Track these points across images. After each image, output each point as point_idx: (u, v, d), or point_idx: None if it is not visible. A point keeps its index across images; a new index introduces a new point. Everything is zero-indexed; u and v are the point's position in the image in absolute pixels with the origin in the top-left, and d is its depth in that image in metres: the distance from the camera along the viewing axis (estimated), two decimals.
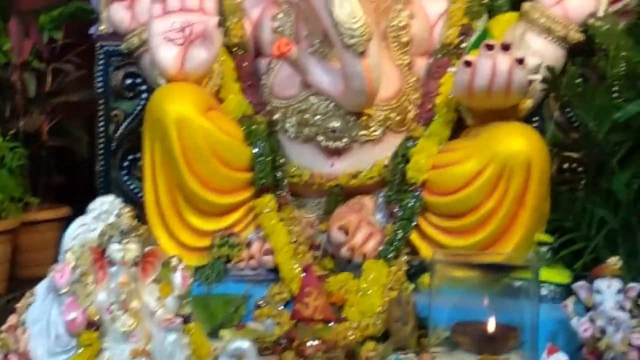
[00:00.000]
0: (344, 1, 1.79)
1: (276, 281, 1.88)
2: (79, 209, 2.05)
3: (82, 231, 1.45)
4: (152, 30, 1.93)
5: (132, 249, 1.41)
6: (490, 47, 1.79)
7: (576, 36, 2.01)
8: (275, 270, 1.90)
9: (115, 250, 1.41)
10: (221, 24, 1.95)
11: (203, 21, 1.91)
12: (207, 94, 1.97)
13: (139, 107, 2.21)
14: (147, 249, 1.45)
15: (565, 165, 2.08)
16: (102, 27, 2.20)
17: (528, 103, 1.96)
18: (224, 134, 1.91)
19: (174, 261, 1.46)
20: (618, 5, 2.12)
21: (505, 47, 1.79)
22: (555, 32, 2.00)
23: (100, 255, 1.42)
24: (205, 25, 1.90)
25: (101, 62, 2.25)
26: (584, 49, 2.05)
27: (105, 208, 1.46)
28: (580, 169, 2.07)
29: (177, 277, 1.45)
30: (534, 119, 2.08)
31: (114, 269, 1.41)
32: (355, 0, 1.80)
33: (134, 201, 2.19)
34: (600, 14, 2.01)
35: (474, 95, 1.85)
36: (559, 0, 2.02)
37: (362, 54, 1.81)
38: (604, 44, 1.95)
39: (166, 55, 1.91)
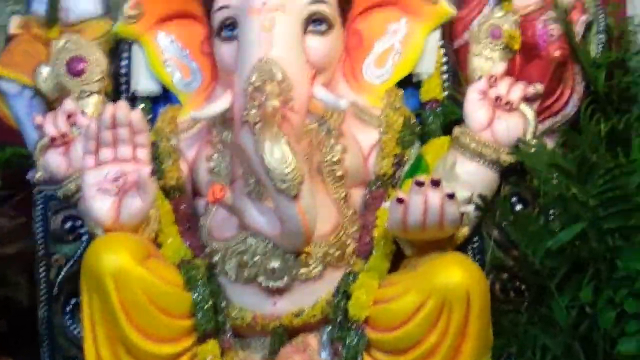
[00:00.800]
0: (274, 147, 1.81)
1: None
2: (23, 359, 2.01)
3: None
4: (85, 181, 1.93)
5: None
6: (420, 184, 1.82)
7: (507, 159, 2.05)
8: None
9: None
10: (154, 172, 1.96)
11: (136, 170, 1.91)
12: (145, 241, 1.97)
13: (80, 250, 2.20)
14: None
15: (509, 285, 2.10)
16: (38, 174, 2.19)
17: (464, 231, 1.98)
18: (163, 283, 1.90)
19: None
20: (545, 124, 2.17)
21: (435, 183, 1.81)
22: (487, 156, 2.04)
23: None
24: (138, 174, 1.91)
25: (40, 207, 2.24)
26: (517, 169, 2.09)
27: None
28: (523, 287, 2.09)
29: None
30: (474, 239, 2.11)
31: None
32: (285, 144, 1.82)
33: (79, 347, 2.16)
34: (529, 136, 2.05)
35: (408, 231, 1.87)
36: (487, 125, 2.06)
37: (295, 197, 1.82)
38: (533, 167, 1.98)
39: (101, 206, 1.91)
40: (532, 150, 2.00)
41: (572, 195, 1.86)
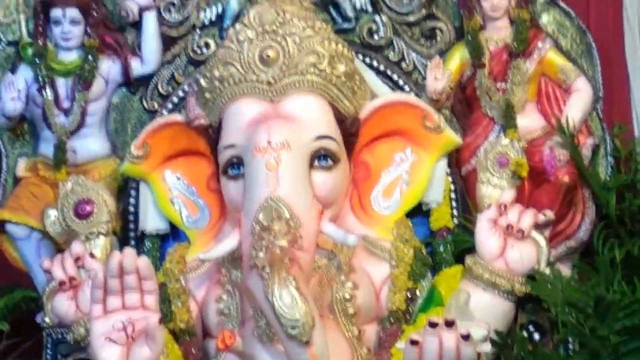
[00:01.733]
0: (283, 292, 1.78)
1: None
2: None
3: None
4: (93, 331, 1.88)
5: None
6: (434, 325, 1.77)
7: (522, 288, 2.00)
8: None
9: None
10: (163, 319, 1.92)
11: (145, 317, 1.87)
12: None
13: None
14: None
15: None
16: (47, 319, 2.16)
17: None
18: None
19: None
20: (559, 250, 2.14)
21: (449, 324, 1.76)
22: (501, 286, 2.00)
23: None
24: (147, 323, 1.86)
25: (49, 351, 2.21)
26: (532, 296, 2.04)
27: None
28: None
29: None
30: None
31: None
32: (294, 289, 1.78)
33: None
34: (543, 265, 2.01)
35: None
36: (499, 254, 2.02)
37: (307, 343, 1.78)
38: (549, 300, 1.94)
39: (109, 356, 1.85)
40: (547, 280, 1.96)
41: (591, 328, 1.81)
